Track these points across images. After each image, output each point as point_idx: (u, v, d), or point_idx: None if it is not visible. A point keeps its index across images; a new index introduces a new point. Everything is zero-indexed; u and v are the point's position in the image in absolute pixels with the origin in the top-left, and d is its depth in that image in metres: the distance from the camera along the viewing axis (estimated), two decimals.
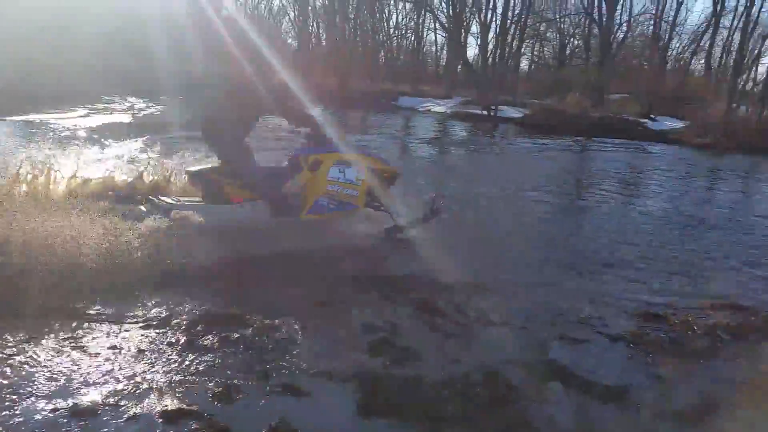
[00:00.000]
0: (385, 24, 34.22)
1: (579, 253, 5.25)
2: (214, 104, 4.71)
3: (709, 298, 4.27)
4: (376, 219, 5.18)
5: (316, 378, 2.77)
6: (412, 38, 33.91)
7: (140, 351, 2.90)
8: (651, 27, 28.70)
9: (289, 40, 37.23)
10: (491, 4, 25.21)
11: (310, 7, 31.22)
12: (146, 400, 2.49)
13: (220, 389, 2.61)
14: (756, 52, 22.15)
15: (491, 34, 25.80)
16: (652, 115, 20.57)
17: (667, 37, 27.97)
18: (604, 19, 24.14)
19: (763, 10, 27.95)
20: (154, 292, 3.56)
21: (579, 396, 2.81)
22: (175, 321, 3.25)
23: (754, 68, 22.15)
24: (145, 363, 2.79)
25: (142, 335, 3.07)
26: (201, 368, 2.79)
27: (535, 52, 35.13)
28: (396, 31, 35.41)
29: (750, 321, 3.85)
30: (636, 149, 15.47)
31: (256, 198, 4.64)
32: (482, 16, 25.41)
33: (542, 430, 2.50)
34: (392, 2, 33.14)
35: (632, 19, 29.08)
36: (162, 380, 2.65)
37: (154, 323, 3.21)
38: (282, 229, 4.72)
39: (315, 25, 32.99)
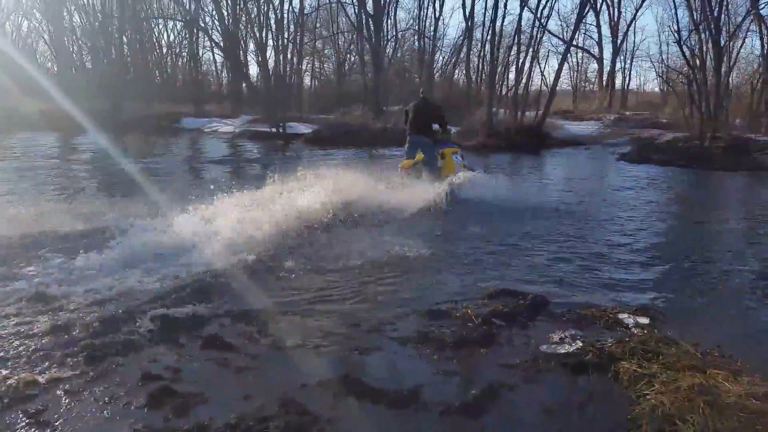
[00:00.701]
0: (156, 43, 32.18)
1: (367, 263, 5.31)
2: (420, 109, 9.39)
3: (485, 287, 4.65)
4: None
5: None
6: (187, 58, 32.33)
7: None
8: (416, 42, 31.28)
9: (49, 64, 33.33)
10: (264, 22, 25.06)
11: (66, 27, 28.14)
12: None
13: None
14: (505, 61, 25.02)
15: (269, 52, 25.73)
16: None
17: (431, 51, 30.62)
18: (373, 37, 25.57)
19: (505, 23, 32.31)
20: None
21: (372, 408, 2.82)
22: None
23: (506, 75, 25.02)
24: None
25: None
26: None
27: (316, 69, 35.97)
28: (169, 51, 33.52)
29: (519, 304, 4.24)
30: None
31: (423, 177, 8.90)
32: (257, 34, 25.17)
33: None
34: (161, 21, 31.30)
35: (399, 35, 31.47)
36: None
37: None
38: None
39: (75, 47, 29.81)
